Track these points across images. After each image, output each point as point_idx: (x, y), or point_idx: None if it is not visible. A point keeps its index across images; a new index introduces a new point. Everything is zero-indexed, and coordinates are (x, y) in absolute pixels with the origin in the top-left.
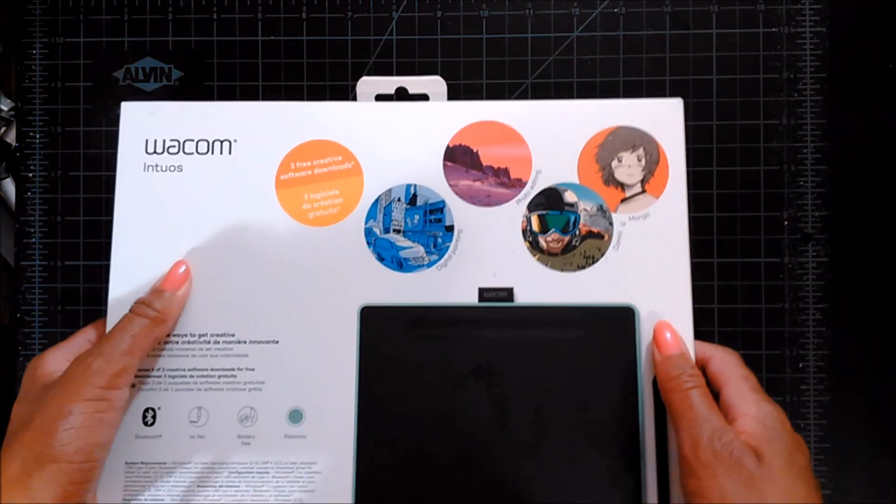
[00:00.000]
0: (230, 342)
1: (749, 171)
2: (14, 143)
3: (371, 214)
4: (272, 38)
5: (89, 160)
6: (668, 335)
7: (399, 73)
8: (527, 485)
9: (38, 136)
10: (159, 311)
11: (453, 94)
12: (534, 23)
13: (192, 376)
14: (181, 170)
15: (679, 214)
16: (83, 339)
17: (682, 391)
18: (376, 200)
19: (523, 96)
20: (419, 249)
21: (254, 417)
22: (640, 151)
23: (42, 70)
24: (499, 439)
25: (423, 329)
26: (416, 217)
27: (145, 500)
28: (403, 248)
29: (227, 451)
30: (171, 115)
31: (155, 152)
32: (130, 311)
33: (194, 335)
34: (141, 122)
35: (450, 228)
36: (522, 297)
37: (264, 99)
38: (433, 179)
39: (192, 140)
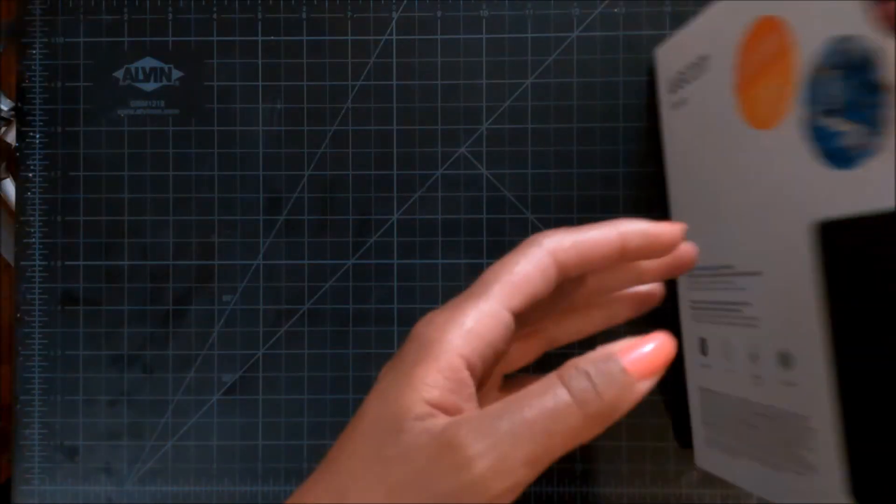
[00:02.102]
0: (729, 274)
1: None
2: (14, 143)
3: (808, 98)
4: (272, 38)
5: (89, 160)
6: None
7: (399, 74)
8: None
9: (38, 136)
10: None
11: (452, 95)
12: (534, 23)
13: (715, 309)
14: (686, 104)
15: None
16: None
17: None
18: (812, 77)
19: (523, 96)
20: (859, 131)
21: (755, 357)
22: None
23: (42, 70)
24: None
25: None
26: (848, 86)
27: (719, 424)
28: (841, 134)
29: (746, 390)
30: (677, 45)
31: (671, 91)
32: (566, 384)
33: (712, 268)
34: (667, 62)
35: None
36: None
37: (263, 100)
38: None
39: (689, 68)
